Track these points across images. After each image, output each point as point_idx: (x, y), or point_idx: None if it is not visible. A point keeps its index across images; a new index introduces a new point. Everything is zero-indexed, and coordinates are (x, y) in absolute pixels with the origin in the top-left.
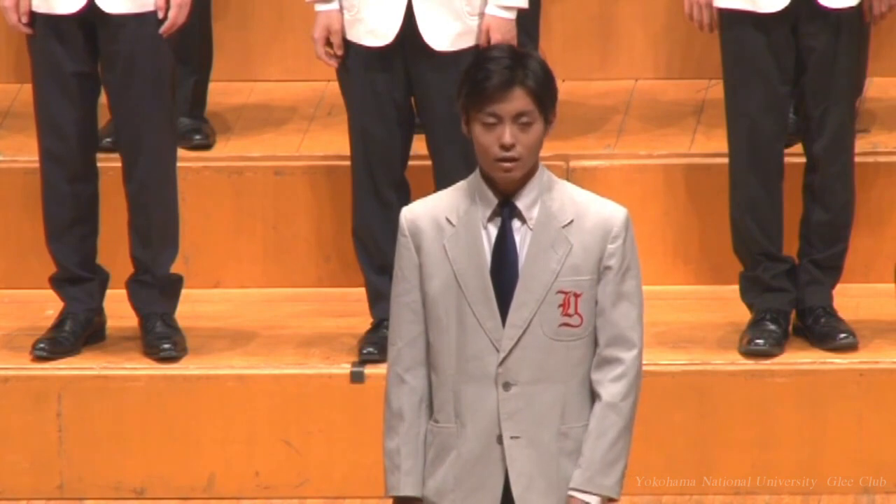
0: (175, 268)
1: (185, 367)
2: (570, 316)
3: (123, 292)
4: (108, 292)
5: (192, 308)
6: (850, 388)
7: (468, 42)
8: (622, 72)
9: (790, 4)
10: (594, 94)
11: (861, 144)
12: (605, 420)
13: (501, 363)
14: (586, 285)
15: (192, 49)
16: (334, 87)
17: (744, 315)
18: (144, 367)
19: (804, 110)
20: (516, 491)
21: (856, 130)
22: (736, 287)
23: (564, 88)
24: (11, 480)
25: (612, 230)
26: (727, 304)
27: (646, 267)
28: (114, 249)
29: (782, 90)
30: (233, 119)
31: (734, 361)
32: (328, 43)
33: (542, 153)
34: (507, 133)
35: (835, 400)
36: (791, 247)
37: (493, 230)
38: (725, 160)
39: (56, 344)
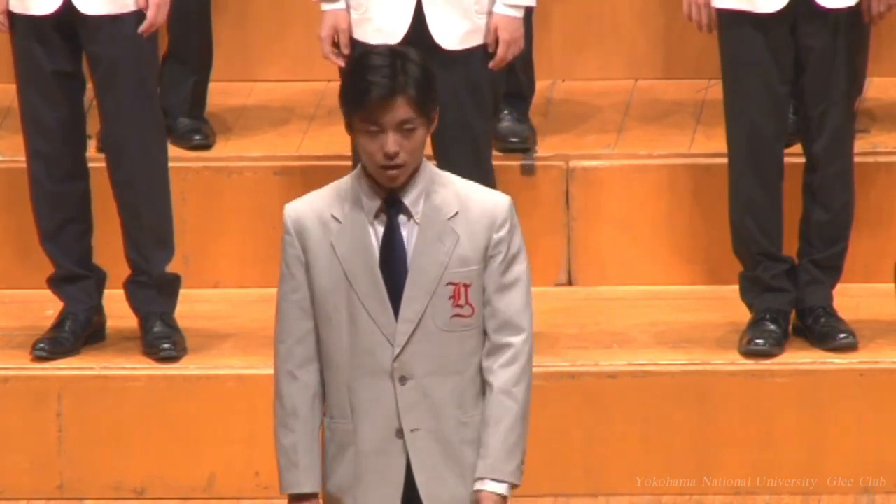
0: (175, 268)
1: (185, 367)
2: (461, 307)
3: (123, 292)
4: (108, 292)
5: (191, 308)
6: (850, 388)
7: (476, 41)
8: (622, 72)
9: (789, 4)
10: (594, 94)
11: (861, 144)
12: (499, 407)
13: (396, 358)
14: (474, 275)
15: (191, 49)
16: (334, 87)
17: (744, 315)
18: (144, 367)
19: (803, 110)
20: (420, 481)
21: (856, 130)
22: (736, 287)
23: (564, 88)
24: (11, 480)
25: (497, 219)
26: (727, 304)
27: (646, 267)
28: (113, 250)
29: (781, 90)
30: (233, 119)
31: (734, 361)
32: (335, 42)
33: (542, 153)
34: (391, 141)
35: (835, 400)
36: (791, 247)
37: (380, 227)
38: (725, 160)
39: (56, 344)
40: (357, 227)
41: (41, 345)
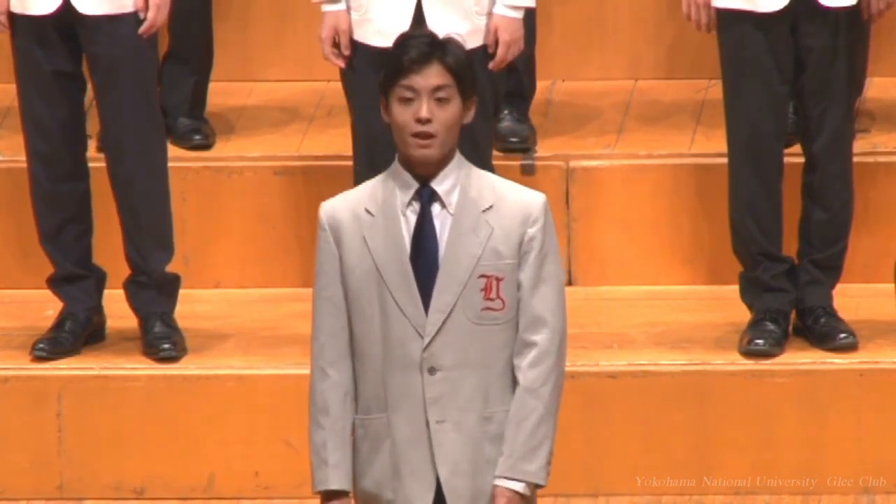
0: (175, 268)
1: (185, 367)
2: (492, 300)
3: (123, 292)
4: (108, 292)
5: (191, 308)
6: (850, 388)
7: (476, 42)
8: (622, 72)
9: (789, 4)
10: (594, 94)
11: (861, 144)
12: (525, 406)
13: (426, 348)
14: (508, 269)
15: (192, 49)
16: (334, 87)
17: (744, 315)
18: (144, 367)
19: (803, 110)
20: (442, 475)
21: (856, 130)
22: (736, 287)
23: (564, 88)
24: (11, 480)
25: (531, 215)
26: (727, 304)
27: (646, 267)
28: (113, 250)
29: (781, 90)
30: (233, 119)
31: (734, 361)
32: (335, 43)
33: (542, 153)
34: (424, 107)
35: (835, 400)
36: (791, 247)
37: (412, 217)
38: (725, 160)
39: (56, 344)
40: (389, 219)
41: (41, 345)
